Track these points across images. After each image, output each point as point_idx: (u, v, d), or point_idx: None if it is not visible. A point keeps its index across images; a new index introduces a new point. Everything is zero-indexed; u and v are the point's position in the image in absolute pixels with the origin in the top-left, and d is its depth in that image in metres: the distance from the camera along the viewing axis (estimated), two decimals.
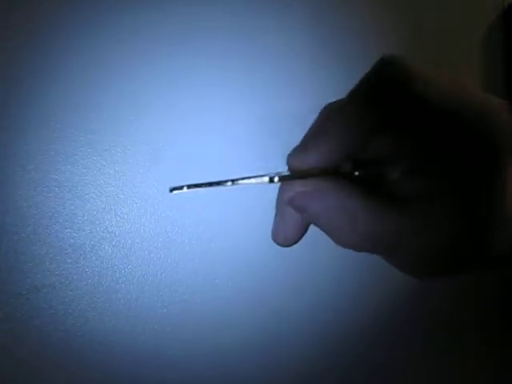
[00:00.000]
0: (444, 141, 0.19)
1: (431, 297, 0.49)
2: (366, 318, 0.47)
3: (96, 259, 0.35)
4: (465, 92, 0.19)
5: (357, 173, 0.21)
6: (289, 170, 0.21)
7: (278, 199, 0.22)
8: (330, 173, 0.20)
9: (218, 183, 0.20)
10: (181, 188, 0.20)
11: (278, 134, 0.41)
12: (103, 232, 0.35)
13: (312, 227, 0.22)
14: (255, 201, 0.39)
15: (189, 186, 0.20)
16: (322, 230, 0.21)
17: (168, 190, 0.21)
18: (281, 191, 0.21)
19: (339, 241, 0.20)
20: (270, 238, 0.22)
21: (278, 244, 0.22)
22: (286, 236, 0.22)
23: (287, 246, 0.22)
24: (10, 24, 0.32)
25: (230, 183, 0.20)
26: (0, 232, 0.32)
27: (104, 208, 0.35)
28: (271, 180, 0.20)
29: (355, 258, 0.24)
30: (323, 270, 0.44)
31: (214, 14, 0.39)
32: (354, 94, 0.20)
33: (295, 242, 0.22)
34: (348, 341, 0.46)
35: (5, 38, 0.32)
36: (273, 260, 0.41)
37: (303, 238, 0.22)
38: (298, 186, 0.20)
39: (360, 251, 0.24)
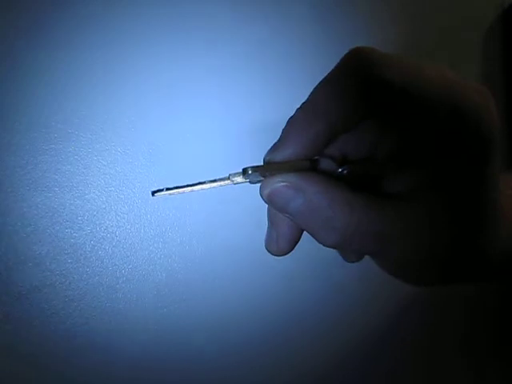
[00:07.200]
0: (420, 129, 0.18)
1: (434, 305, 0.49)
2: (369, 325, 0.47)
3: (96, 259, 0.35)
4: (441, 79, 0.18)
5: (341, 170, 0.20)
6: (264, 163, 0.20)
7: (268, 209, 0.21)
8: (308, 168, 0.19)
9: (198, 184, 0.20)
10: (161, 191, 0.20)
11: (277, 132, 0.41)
12: (103, 232, 0.35)
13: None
14: (256, 199, 0.39)
15: (168, 189, 0.20)
16: (305, 230, 0.20)
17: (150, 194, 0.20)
18: (260, 190, 0.20)
19: (323, 240, 0.19)
20: None
21: (272, 253, 0.21)
22: (278, 245, 0.21)
23: (281, 255, 0.21)
24: (11, 24, 0.32)
25: (207, 184, 0.19)
26: (0, 232, 0.32)
27: (104, 208, 0.35)
28: (245, 172, 0.18)
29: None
30: (327, 270, 0.44)
31: (215, 20, 0.39)
32: (322, 84, 0.19)
33: (289, 251, 0.21)
34: (350, 348, 0.46)
35: (5, 38, 0.32)
36: (274, 260, 0.41)
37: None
38: (276, 182, 0.19)
39: (345, 251, 0.23)
